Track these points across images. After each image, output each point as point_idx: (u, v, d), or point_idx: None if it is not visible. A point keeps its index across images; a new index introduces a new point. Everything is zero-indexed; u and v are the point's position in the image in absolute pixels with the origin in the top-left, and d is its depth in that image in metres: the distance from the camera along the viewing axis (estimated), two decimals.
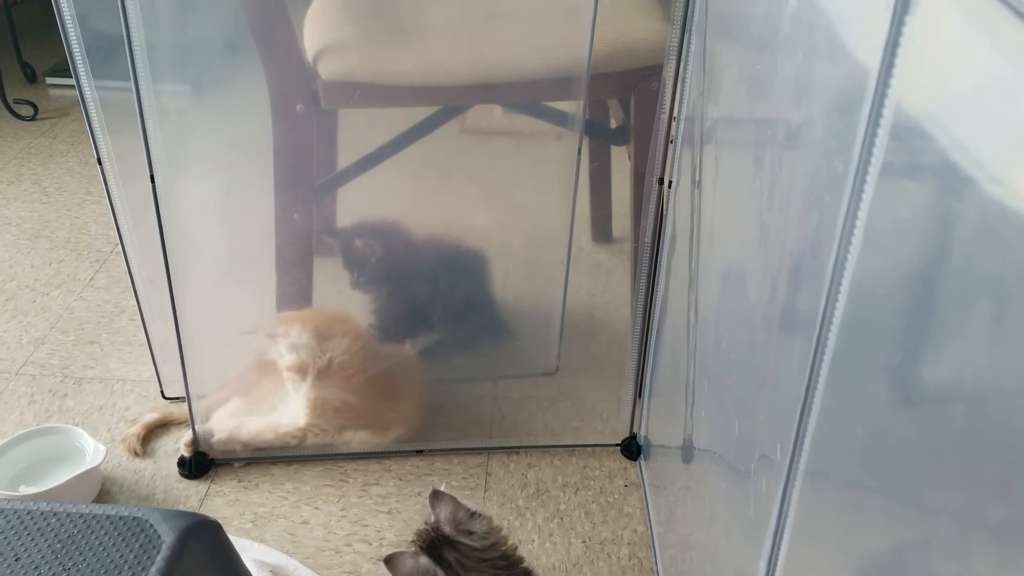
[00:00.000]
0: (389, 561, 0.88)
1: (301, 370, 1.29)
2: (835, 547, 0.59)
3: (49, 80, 2.50)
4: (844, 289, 0.53)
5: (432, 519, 0.92)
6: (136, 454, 1.34)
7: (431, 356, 1.46)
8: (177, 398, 1.43)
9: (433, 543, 0.89)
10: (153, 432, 1.38)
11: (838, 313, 0.54)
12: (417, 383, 1.42)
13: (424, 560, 0.88)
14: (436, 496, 0.92)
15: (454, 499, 0.92)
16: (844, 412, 0.56)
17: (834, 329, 0.55)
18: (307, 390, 1.30)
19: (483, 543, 0.89)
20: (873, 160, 0.49)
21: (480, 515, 0.92)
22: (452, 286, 1.43)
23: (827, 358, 0.56)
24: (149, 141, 1.06)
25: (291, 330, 1.28)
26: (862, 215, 0.51)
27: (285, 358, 1.29)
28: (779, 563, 0.65)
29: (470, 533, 0.90)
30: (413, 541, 0.91)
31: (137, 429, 1.35)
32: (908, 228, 0.48)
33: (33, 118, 2.33)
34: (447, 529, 0.90)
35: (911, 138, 0.48)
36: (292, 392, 1.32)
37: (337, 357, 1.29)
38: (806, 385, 0.59)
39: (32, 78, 2.50)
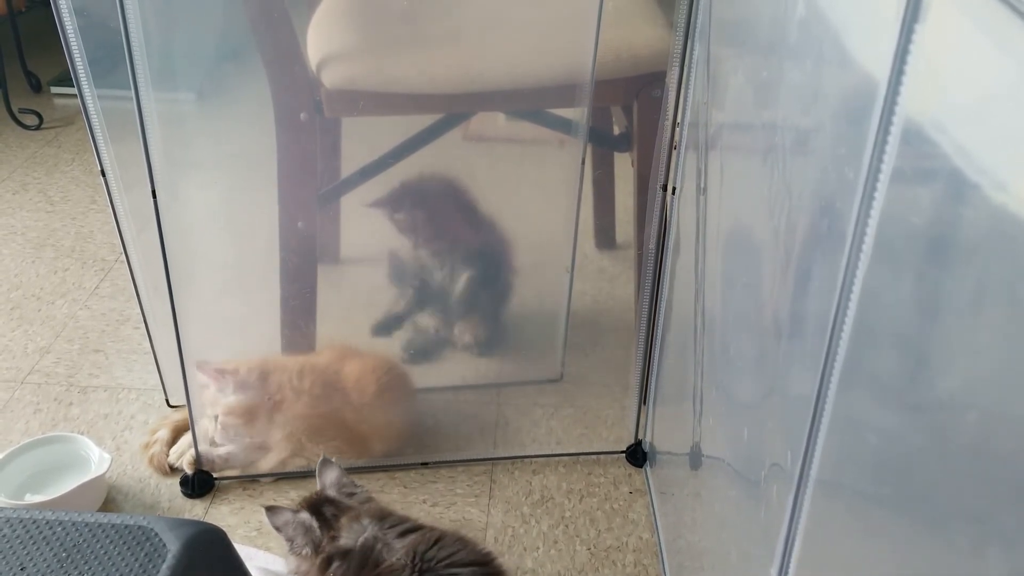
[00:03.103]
0: (269, 510, 0.98)
1: (248, 413, 1.25)
2: (847, 555, 0.59)
3: (54, 89, 2.51)
4: (855, 295, 0.53)
5: (319, 487, 1.03)
6: (170, 469, 1.32)
7: (433, 363, 1.46)
8: (182, 406, 1.42)
9: (314, 503, 1.00)
10: (175, 442, 1.37)
11: (849, 320, 0.54)
12: (399, 396, 1.38)
13: (303, 515, 0.98)
14: (324, 464, 1.04)
15: (340, 468, 1.03)
16: (856, 420, 0.56)
17: (845, 336, 0.54)
18: (274, 429, 1.27)
19: (360, 502, 1.01)
20: (884, 167, 0.49)
21: (361, 487, 1.04)
22: (461, 290, 1.43)
23: (838, 365, 0.56)
24: (151, 155, 1.06)
25: (240, 367, 1.26)
26: (873, 221, 0.51)
27: (230, 398, 1.25)
28: (790, 571, 0.65)
29: (351, 495, 1.02)
30: (299, 504, 1.01)
31: (160, 448, 1.34)
32: (919, 234, 0.48)
33: (38, 127, 2.33)
34: (330, 492, 1.02)
35: (921, 145, 0.47)
36: (226, 437, 1.27)
37: (279, 395, 1.26)
38: (817, 392, 0.58)
39: (37, 87, 2.51)
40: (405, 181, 1.33)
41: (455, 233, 1.40)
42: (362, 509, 1.00)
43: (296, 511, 0.99)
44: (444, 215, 1.38)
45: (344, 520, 0.99)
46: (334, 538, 0.97)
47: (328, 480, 1.03)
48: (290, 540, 0.99)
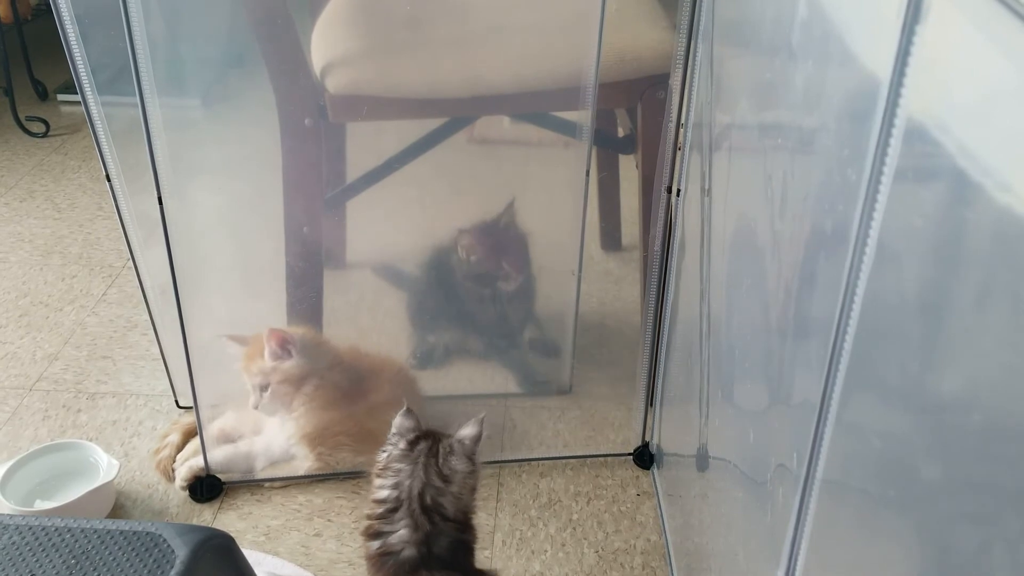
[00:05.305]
0: (408, 411, 0.98)
1: (300, 380, 1.26)
2: (853, 556, 0.59)
3: (60, 97, 2.52)
4: (859, 297, 0.53)
5: (457, 427, 0.99)
6: (175, 475, 1.33)
7: (440, 370, 1.46)
8: (191, 407, 1.43)
9: (425, 434, 0.97)
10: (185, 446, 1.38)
11: (853, 321, 0.54)
12: (404, 396, 1.39)
13: (414, 436, 0.97)
14: (477, 421, 0.99)
15: (481, 434, 0.98)
16: (860, 421, 0.56)
17: (850, 337, 0.54)
18: (294, 420, 1.28)
19: (446, 469, 0.95)
20: (886, 169, 0.49)
21: (475, 465, 0.98)
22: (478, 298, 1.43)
23: (843, 366, 0.56)
24: (156, 161, 1.07)
25: (297, 335, 1.26)
26: (876, 223, 0.51)
27: (288, 363, 1.25)
28: (797, 572, 0.65)
29: (451, 454, 0.96)
30: (427, 429, 0.99)
31: (170, 452, 1.34)
32: (922, 235, 0.48)
33: (45, 135, 2.35)
34: (450, 440, 0.97)
35: (923, 146, 0.47)
36: (276, 408, 1.28)
37: (327, 369, 1.28)
38: (822, 394, 0.58)
39: (43, 95, 2.52)
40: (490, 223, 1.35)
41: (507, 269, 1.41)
42: (434, 469, 0.95)
43: (418, 428, 0.97)
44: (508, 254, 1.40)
45: (419, 461, 0.95)
46: (397, 471, 0.95)
47: (463, 432, 0.98)
48: (388, 439, 0.98)
